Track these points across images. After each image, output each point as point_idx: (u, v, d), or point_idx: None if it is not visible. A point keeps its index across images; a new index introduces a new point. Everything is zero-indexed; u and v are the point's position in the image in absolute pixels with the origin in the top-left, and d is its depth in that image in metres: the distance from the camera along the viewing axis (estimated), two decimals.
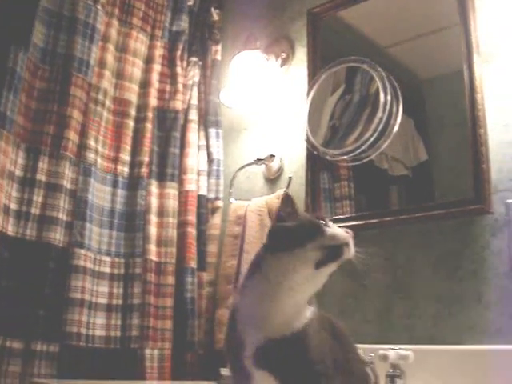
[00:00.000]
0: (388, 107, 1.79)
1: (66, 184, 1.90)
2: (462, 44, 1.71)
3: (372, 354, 1.49)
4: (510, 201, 1.56)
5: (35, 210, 1.83)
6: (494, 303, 1.54)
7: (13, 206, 1.79)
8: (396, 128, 1.80)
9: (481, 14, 1.72)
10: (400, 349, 1.46)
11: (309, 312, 1.09)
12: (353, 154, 1.85)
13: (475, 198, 1.58)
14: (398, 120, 1.80)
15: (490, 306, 1.55)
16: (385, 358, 1.44)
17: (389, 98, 1.79)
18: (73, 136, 1.93)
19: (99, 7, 2.09)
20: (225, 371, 1.74)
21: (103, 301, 1.94)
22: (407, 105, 1.82)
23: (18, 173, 1.83)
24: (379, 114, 1.78)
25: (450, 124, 1.74)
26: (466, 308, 1.59)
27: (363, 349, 1.52)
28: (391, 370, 1.46)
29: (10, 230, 1.77)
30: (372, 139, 1.80)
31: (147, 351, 1.94)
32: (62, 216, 1.87)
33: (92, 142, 1.99)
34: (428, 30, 1.86)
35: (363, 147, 1.82)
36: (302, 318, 1.07)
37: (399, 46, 1.96)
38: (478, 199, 1.57)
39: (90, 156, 1.98)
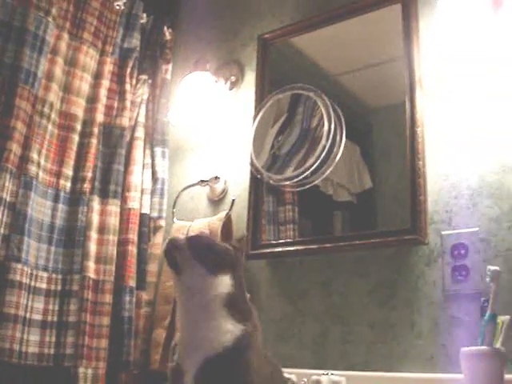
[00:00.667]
0: (332, 135, 1.81)
1: (6, 196, 1.85)
2: (406, 77, 1.76)
3: (305, 379, 1.50)
4: (444, 232, 1.60)
5: None
6: (426, 332, 1.58)
7: None
8: (339, 156, 1.83)
9: (425, 49, 1.77)
10: (333, 374, 1.47)
11: (236, 328, 1.14)
12: (296, 180, 1.87)
13: (412, 228, 1.62)
14: (341, 148, 1.83)
15: (423, 334, 1.58)
16: (318, 383, 1.46)
17: (333, 126, 1.82)
18: (15, 148, 1.89)
19: (50, 19, 2.06)
20: None
21: (38, 317, 1.89)
22: (354, 132, 1.85)
23: None
24: (323, 142, 1.81)
25: (394, 153, 1.78)
26: (399, 336, 1.62)
27: (297, 373, 1.54)
28: None
29: None
30: (315, 166, 1.82)
31: (81, 370, 1.90)
32: (0, 229, 1.83)
33: (35, 155, 1.96)
34: (376, 60, 1.90)
35: (306, 173, 1.84)
36: (229, 334, 1.10)
37: (348, 74, 2.01)
38: (414, 230, 1.61)
39: (32, 169, 1.94)
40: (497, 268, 1.35)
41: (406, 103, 1.73)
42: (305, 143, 1.91)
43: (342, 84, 2.01)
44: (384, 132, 1.85)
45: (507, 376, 1.29)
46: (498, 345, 1.31)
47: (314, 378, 1.48)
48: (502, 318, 1.34)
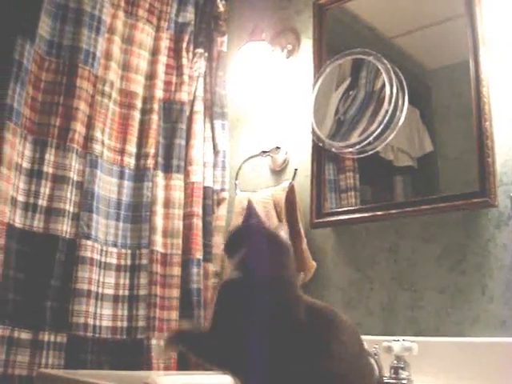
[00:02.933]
0: (394, 100, 1.78)
1: (73, 176, 1.91)
2: (468, 35, 1.70)
3: (376, 346, 1.50)
4: None
5: (42, 202, 1.84)
6: (498, 296, 1.55)
7: (20, 197, 1.81)
8: (402, 120, 1.79)
9: (487, 5, 1.71)
10: (404, 340, 1.47)
11: None
12: (358, 147, 1.85)
13: (480, 191, 1.58)
14: (404, 112, 1.79)
15: (494, 298, 1.55)
16: (389, 349, 1.45)
17: (395, 90, 1.78)
18: (79, 128, 1.94)
19: None
20: None
21: (110, 291, 1.96)
22: (413, 95, 1.81)
23: (25, 165, 1.84)
24: (385, 107, 1.78)
25: (456, 115, 1.73)
26: (469, 300, 1.59)
27: (367, 340, 1.54)
28: (395, 362, 1.47)
29: (18, 221, 1.78)
30: (378, 132, 1.80)
31: (153, 341, 1.95)
32: (69, 208, 1.88)
33: (98, 134, 2.00)
34: (434, 20, 1.85)
35: (369, 139, 1.82)
36: None
37: (405, 36, 1.96)
38: (483, 192, 1.57)
39: (97, 148, 1.99)
40: None
41: (470, 62, 1.67)
42: (369, 108, 1.88)
43: (399, 46, 1.96)
44: (444, 93, 1.81)
45: None
46: None
47: (386, 344, 1.47)
48: None
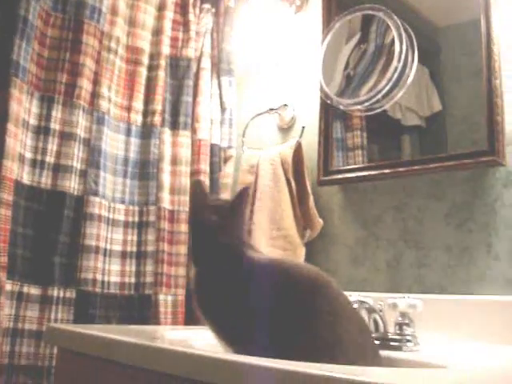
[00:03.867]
0: (403, 57, 1.76)
1: (80, 133, 1.91)
2: None
3: (381, 302, 1.51)
4: None
5: (50, 159, 1.85)
6: (504, 254, 1.55)
7: (28, 154, 1.81)
8: (411, 78, 1.77)
9: None
10: (409, 297, 1.48)
11: None
12: (367, 104, 1.83)
13: (489, 149, 1.57)
14: (413, 70, 1.77)
15: (500, 257, 1.56)
16: (394, 306, 1.47)
17: (404, 47, 1.76)
18: (86, 84, 1.93)
19: None
20: None
21: (118, 248, 1.98)
22: (422, 53, 1.79)
23: (32, 121, 1.84)
24: (394, 64, 1.76)
25: (465, 74, 1.71)
26: (476, 258, 1.60)
27: (373, 297, 1.55)
28: (400, 318, 1.48)
29: (26, 178, 1.79)
30: (386, 89, 1.78)
31: (161, 297, 1.98)
32: (77, 164, 1.89)
33: (105, 91, 1.99)
34: None
35: (377, 97, 1.80)
36: None
37: None
38: (492, 151, 1.56)
39: (103, 104, 1.98)
40: None
41: (481, 21, 1.65)
42: (378, 64, 1.86)
43: (409, 2, 1.93)
44: (454, 52, 1.78)
45: None
46: None
47: (390, 301, 1.48)
48: None
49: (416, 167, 1.73)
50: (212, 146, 2.24)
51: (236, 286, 1.16)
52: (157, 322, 1.95)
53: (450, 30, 1.81)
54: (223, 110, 2.32)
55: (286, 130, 2.16)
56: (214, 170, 2.23)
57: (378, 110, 1.83)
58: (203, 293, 1.21)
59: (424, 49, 1.81)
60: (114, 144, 2.03)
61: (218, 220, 1.22)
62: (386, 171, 1.79)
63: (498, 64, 1.60)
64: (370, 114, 1.87)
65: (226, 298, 1.16)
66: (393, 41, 1.78)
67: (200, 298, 1.21)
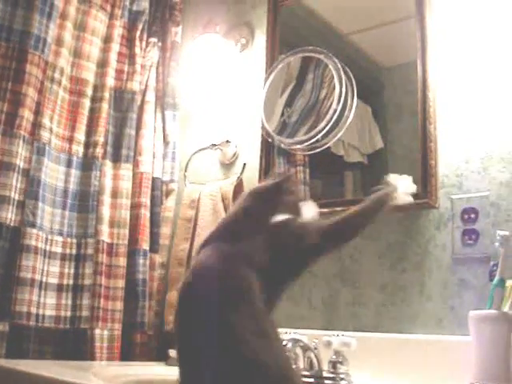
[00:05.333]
0: (343, 99, 1.81)
1: (19, 163, 1.88)
2: (417, 37, 1.73)
3: (316, 340, 1.53)
4: (455, 196, 1.61)
5: None
6: (436, 295, 1.59)
7: None
8: (350, 119, 1.82)
9: (437, 8, 1.74)
10: (343, 336, 1.50)
11: None
12: (307, 144, 1.87)
13: (422, 192, 1.62)
14: (353, 111, 1.82)
15: (432, 297, 1.60)
16: (328, 344, 1.49)
17: (344, 89, 1.81)
18: (27, 114, 1.91)
19: None
20: (173, 352, 1.77)
21: (54, 280, 1.94)
22: (366, 92, 1.84)
23: None
24: (334, 106, 1.80)
25: (407, 113, 1.76)
26: (409, 298, 1.64)
27: (308, 334, 1.57)
28: (334, 357, 1.50)
29: None
30: (326, 129, 1.82)
31: (97, 331, 1.95)
32: (14, 195, 1.85)
33: (47, 121, 1.97)
34: (389, 19, 1.87)
35: (317, 137, 1.84)
36: None
37: (361, 33, 1.98)
38: (425, 194, 1.61)
39: (45, 135, 1.96)
40: (506, 232, 1.35)
41: (418, 65, 1.71)
42: (315, 108, 1.91)
43: (354, 43, 1.99)
44: (396, 91, 1.84)
45: None
46: (505, 309, 1.32)
47: (325, 338, 1.50)
48: (511, 282, 1.35)
49: (353, 207, 1.76)
50: (154, 180, 2.24)
51: None
52: (92, 357, 1.92)
53: (393, 70, 1.87)
54: (166, 143, 2.32)
55: (228, 165, 2.18)
56: (156, 203, 2.22)
57: (319, 150, 1.87)
58: None
59: (368, 88, 1.86)
60: (54, 175, 2.01)
61: None
62: (324, 210, 1.82)
63: (433, 109, 1.66)
64: (310, 153, 1.90)
65: None
66: (332, 84, 1.83)
67: None
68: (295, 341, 1.51)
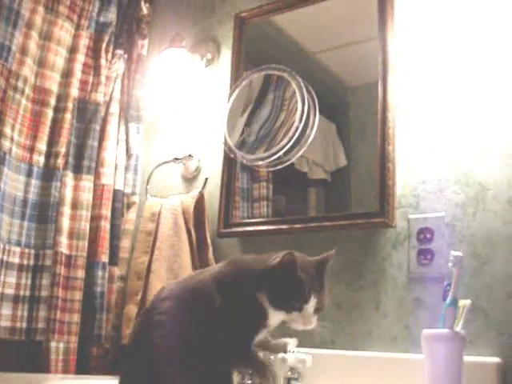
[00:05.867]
0: (305, 117, 1.83)
1: None
2: (379, 59, 1.77)
3: (272, 357, 1.53)
4: (411, 216, 1.63)
5: None
6: (391, 313, 1.62)
7: None
8: (312, 137, 1.84)
9: (399, 31, 1.78)
10: (298, 352, 1.51)
11: None
12: (268, 160, 1.89)
13: (380, 211, 1.65)
14: (314, 129, 1.84)
15: (387, 315, 1.62)
16: (284, 361, 1.49)
17: (306, 108, 1.83)
18: None
19: None
20: None
21: (10, 291, 1.91)
22: (331, 110, 1.87)
23: None
24: (296, 124, 1.82)
25: (369, 132, 1.78)
26: (364, 316, 1.66)
27: (264, 352, 1.57)
28: (289, 373, 1.51)
29: None
30: (288, 147, 1.84)
31: (53, 344, 1.92)
32: None
33: (8, 130, 1.95)
34: (354, 39, 1.91)
35: (279, 154, 1.86)
36: None
37: (327, 52, 2.01)
38: (383, 213, 1.64)
39: (5, 144, 1.94)
40: (459, 253, 1.38)
41: (379, 86, 1.75)
42: (274, 130, 1.93)
43: (320, 62, 2.01)
44: (360, 110, 1.87)
45: (466, 358, 1.33)
46: (458, 328, 1.35)
47: (280, 355, 1.50)
48: (464, 302, 1.37)
49: (313, 224, 1.79)
50: (115, 192, 2.23)
51: None
52: (47, 370, 1.89)
53: (358, 89, 1.90)
54: (129, 156, 2.31)
55: (190, 179, 2.18)
56: (116, 215, 2.21)
57: (282, 166, 1.88)
58: None
59: (333, 106, 1.88)
60: (14, 185, 1.98)
61: None
62: (284, 227, 1.84)
63: (392, 130, 1.70)
64: (274, 169, 1.91)
65: None
66: (295, 103, 1.85)
67: None
68: None
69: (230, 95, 2.04)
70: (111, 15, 2.37)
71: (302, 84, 1.85)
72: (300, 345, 1.65)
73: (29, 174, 2.04)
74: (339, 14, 1.95)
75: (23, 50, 2.06)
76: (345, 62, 1.95)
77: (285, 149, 1.84)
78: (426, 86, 1.71)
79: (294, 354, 1.50)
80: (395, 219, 1.65)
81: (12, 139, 1.98)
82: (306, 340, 1.71)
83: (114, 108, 2.29)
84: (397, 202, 1.66)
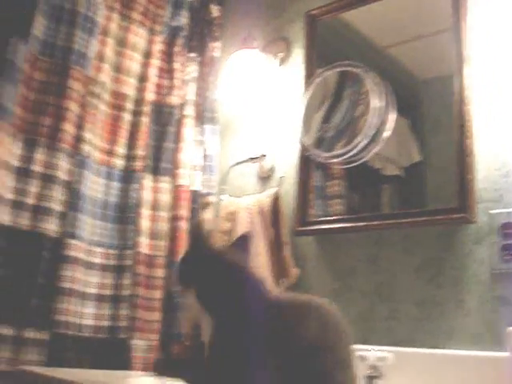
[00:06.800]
0: (381, 114, 1.81)
1: (62, 175, 1.92)
2: (454, 51, 1.73)
3: None
4: (493, 211, 1.59)
5: (30, 201, 1.86)
6: (473, 310, 1.58)
7: (9, 195, 1.82)
8: (387, 134, 1.82)
9: (473, 22, 1.74)
10: (379, 350, 1.49)
11: None
12: (344, 157, 1.88)
13: (459, 207, 1.61)
14: (391, 125, 1.82)
15: (470, 312, 1.59)
16: (363, 358, 1.48)
17: (381, 103, 1.81)
18: (69, 128, 1.96)
19: (100, 0, 2.11)
20: None
21: (93, 291, 1.97)
22: (403, 105, 1.84)
23: (15, 163, 1.86)
24: (371, 120, 1.81)
25: (443, 126, 1.75)
26: (445, 313, 1.63)
27: None
28: (369, 371, 1.49)
29: (6, 219, 1.80)
30: (363, 144, 1.83)
31: (135, 341, 1.97)
32: (56, 207, 1.90)
33: (88, 135, 2.02)
34: (426, 32, 1.88)
35: (354, 151, 1.85)
36: None
37: (398, 46, 1.98)
38: (463, 208, 1.61)
39: (86, 148, 2.00)
40: None
41: (454, 79, 1.71)
42: (352, 124, 1.92)
43: (391, 56, 1.99)
44: (433, 104, 1.83)
45: None
46: None
47: (360, 353, 1.49)
48: None
49: (390, 221, 1.76)
50: (192, 192, 2.26)
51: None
52: (129, 367, 1.94)
53: (430, 83, 1.86)
54: (205, 157, 2.35)
55: (265, 179, 2.20)
56: (194, 215, 2.25)
57: (356, 163, 1.87)
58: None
59: (405, 101, 1.86)
60: (95, 187, 2.05)
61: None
62: (361, 224, 1.82)
63: (470, 123, 1.66)
64: (348, 166, 1.90)
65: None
66: (370, 99, 1.83)
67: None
68: None
69: (305, 93, 2.04)
70: (183, 19, 2.41)
71: (377, 80, 1.84)
72: (379, 343, 1.66)
73: (109, 177, 2.10)
74: (409, 7, 1.92)
75: (100, 57, 2.12)
76: (416, 55, 1.92)
77: (359, 146, 1.83)
78: (505, 76, 1.66)
79: (375, 352, 1.49)
80: (476, 214, 1.61)
81: (92, 144, 2.04)
82: (386, 338, 1.71)
83: (189, 110, 2.33)
84: (477, 197, 1.62)
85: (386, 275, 1.77)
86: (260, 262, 1.94)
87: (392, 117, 1.82)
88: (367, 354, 1.48)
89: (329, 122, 2.00)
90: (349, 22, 2.09)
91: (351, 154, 1.86)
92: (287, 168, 2.12)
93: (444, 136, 1.74)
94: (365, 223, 1.82)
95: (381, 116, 1.82)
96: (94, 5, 2.09)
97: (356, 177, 1.95)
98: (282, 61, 2.27)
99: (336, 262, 1.91)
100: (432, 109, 1.83)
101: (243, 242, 1.31)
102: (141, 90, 2.23)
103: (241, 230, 2.03)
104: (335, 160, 1.92)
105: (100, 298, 1.99)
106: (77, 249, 1.91)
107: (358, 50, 2.06)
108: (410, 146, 1.84)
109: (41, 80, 1.96)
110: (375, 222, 1.80)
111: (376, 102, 1.82)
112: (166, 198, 2.17)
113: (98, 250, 2.02)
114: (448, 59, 1.74)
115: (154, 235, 2.12)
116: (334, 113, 2.00)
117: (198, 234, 1.28)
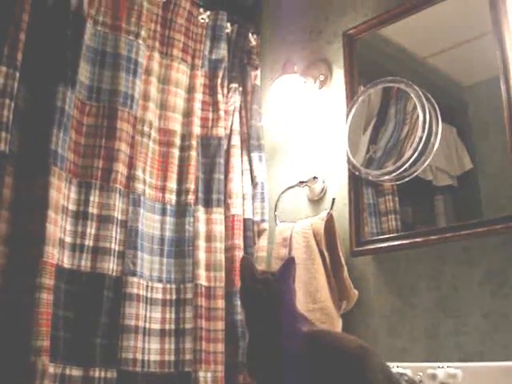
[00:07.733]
0: (427, 126, 1.80)
1: (117, 215, 1.96)
2: (497, 52, 1.71)
3: (421, 373, 1.51)
4: None
5: (89, 242, 1.90)
6: None
7: (67, 239, 1.87)
8: (436, 145, 1.81)
9: None
10: (448, 367, 1.47)
11: None
12: (395, 174, 1.87)
13: None
14: (439, 137, 1.81)
15: None
16: (433, 377, 1.46)
17: (427, 116, 1.80)
18: (121, 168, 2.01)
19: (140, 41, 2.17)
20: None
21: (156, 326, 2.00)
22: (449, 113, 1.83)
23: (71, 207, 1.90)
24: (419, 134, 1.80)
25: (493, 130, 1.73)
26: None
27: (411, 367, 1.54)
28: None
29: (66, 262, 1.84)
30: (413, 158, 1.81)
31: (201, 374, 1.98)
32: (115, 246, 1.93)
33: (140, 173, 2.06)
34: (465, 38, 1.87)
35: (404, 166, 1.83)
36: None
37: (438, 55, 1.98)
38: None
39: (139, 186, 2.04)
40: None
41: (500, 79, 1.68)
42: (402, 133, 1.91)
43: (432, 65, 1.98)
44: (480, 109, 1.81)
45: None
46: None
47: (430, 371, 1.47)
48: None
49: (447, 235, 1.74)
50: (245, 221, 2.28)
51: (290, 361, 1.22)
52: None
53: (475, 87, 1.85)
54: (254, 184, 2.36)
55: (316, 201, 2.20)
56: (248, 244, 2.26)
57: (408, 179, 1.86)
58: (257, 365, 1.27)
59: (450, 108, 1.84)
60: (150, 224, 2.08)
61: (268, 294, 1.31)
62: (418, 240, 1.80)
63: None
64: (399, 182, 1.89)
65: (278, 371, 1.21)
66: (415, 112, 1.82)
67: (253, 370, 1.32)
68: (400, 375, 1.49)
69: (348, 113, 2.05)
70: (222, 51, 2.45)
71: (421, 93, 1.83)
72: (447, 359, 1.62)
73: (163, 213, 2.13)
74: (446, 15, 1.91)
75: (145, 96, 2.17)
76: (458, 62, 1.91)
77: (410, 161, 1.82)
78: None
79: (444, 369, 1.46)
80: None
81: (144, 181, 2.08)
82: (455, 353, 1.68)
83: (236, 140, 2.36)
84: None
85: (449, 290, 1.74)
86: (319, 285, 1.94)
87: (439, 127, 1.81)
88: (436, 371, 1.46)
89: (376, 145, 1.99)
90: (386, 37, 2.09)
91: (402, 169, 1.84)
92: (337, 188, 2.12)
93: (494, 140, 1.72)
94: (422, 238, 1.79)
95: (428, 128, 1.80)
96: (135, 46, 2.14)
97: (408, 190, 1.93)
98: (323, 82, 2.28)
99: (396, 280, 1.89)
100: (479, 113, 1.81)
101: (288, 267, 1.35)
102: (187, 124, 2.27)
103: (296, 254, 2.03)
104: (386, 177, 1.91)
105: (163, 333, 2.00)
106: (137, 286, 1.94)
107: (399, 63, 2.05)
108: (460, 153, 1.82)
109: (90, 124, 2.02)
110: (433, 237, 1.77)
111: (422, 115, 1.81)
112: (219, 228, 2.19)
113: (158, 285, 2.04)
114: (492, 62, 1.72)
115: (211, 266, 2.14)
116: (381, 132, 2.00)
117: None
